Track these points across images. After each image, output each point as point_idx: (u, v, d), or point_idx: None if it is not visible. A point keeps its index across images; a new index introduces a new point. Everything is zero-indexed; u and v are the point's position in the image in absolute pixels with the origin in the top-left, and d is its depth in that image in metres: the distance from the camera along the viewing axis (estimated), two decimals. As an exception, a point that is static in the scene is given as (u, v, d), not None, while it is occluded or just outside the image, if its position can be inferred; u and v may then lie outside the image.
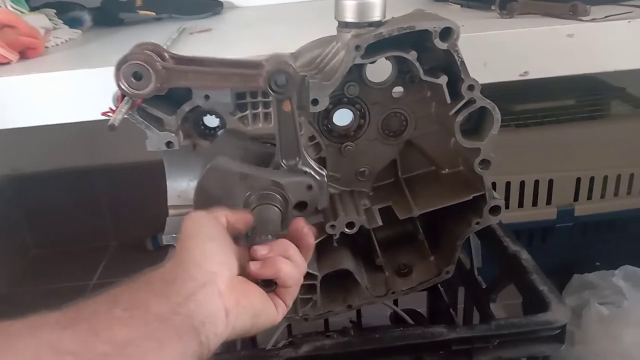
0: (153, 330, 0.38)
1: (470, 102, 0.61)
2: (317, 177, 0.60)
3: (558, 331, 0.56)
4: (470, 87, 0.61)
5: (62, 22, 1.02)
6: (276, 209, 0.57)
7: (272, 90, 0.55)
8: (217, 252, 0.46)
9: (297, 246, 0.51)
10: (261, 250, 0.48)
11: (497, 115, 0.62)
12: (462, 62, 0.60)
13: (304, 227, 0.52)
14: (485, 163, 0.65)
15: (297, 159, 0.60)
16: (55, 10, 1.02)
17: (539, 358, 0.60)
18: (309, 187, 0.59)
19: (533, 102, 1.28)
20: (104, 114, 0.55)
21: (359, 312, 1.00)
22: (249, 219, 0.53)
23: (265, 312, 0.47)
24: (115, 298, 0.40)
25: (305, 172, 0.60)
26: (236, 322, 0.44)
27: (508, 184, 1.22)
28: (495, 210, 0.67)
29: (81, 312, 0.38)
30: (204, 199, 0.58)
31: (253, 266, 0.47)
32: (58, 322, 0.37)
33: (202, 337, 0.41)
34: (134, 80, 0.53)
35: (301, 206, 0.59)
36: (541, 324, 0.56)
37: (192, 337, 0.40)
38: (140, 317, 0.39)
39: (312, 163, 0.61)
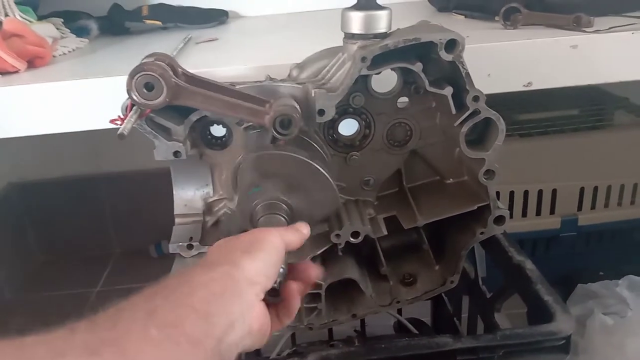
0: (183, 355, 0.37)
1: (475, 112, 0.62)
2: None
3: (563, 342, 0.57)
4: (475, 98, 0.61)
5: (69, 31, 1.03)
6: (282, 218, 0.57)
7: (276, 131, 0.57)
8: (269, 267, 0.46)
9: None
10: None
11: (502, 126, 0.63)
12: (467, 74, 0.61)
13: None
14: (489, 173, 0.65)
15: None
16: (62, 20, 1.02)
17: (543, 368, 0.60)
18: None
19: (537, 112, 1.28)
20: (112, 121, 0.56)
21: (362, 321, 1.00)
22: (305, 229, 0.53)
23: (267, 333, 0.47)
24: (155, 309, 0.38)
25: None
26: (245, 343, 0.43)
27: (512, 194, 1.22)
28: (499, 220, 0.67)
29: (114, 329, 0.36)
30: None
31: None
32: (86, 347, 0.34)
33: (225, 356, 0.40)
34: (145, 90, 0.54)
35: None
36: (546, 335, 0.57)
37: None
38: (173, 339, 0.36)
39: None
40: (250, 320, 0.42)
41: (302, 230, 0.53)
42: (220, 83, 0.58)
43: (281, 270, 0.48)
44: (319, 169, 0.58)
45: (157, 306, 0.38)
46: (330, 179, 0.59)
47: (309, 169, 0.59)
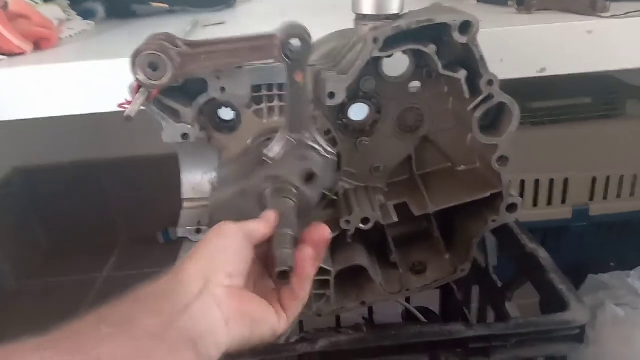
0: (143, 346, 0.37)
1: (489, 97, 0.61)
2: (325, 154, 0.59)
3: (578, 331, 0.56)
4: (490, 82, 0.60)
5: (75, 13, 1.02)
6: (291, 201, 0.56)
7: (287, 57, 0.54)
8: (227, 262, 0.46)
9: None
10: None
11: (516, 111, 0.61)
12: (482, 57, 0.59)
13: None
14: (503, 160, 0.64)
15: (305, 133, 0.58)
16: (68, 2, 1.01)
17: (556, 358, 0.59)
18: (309, 177, 0.58)
19: (549, 100, 1.26)
20: (120, 105, 0.55)
21: (370, 309, 1.00)
22: (272, 216, 0.52)
23: (265, 321, 0.47)
24: (102, 315, 0.39)
25: (313, 148, 0.59)
26: (236, 330, 0.44)
27: (523, 183, 1.21)
28: (512, 207, 0.66)
29: (65, 332, 0.37)
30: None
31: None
32: (39, 345, 0.36)
33: (201, 349, 0.40)
34: (150, 70, 0.53)
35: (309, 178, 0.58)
36: (560, 324, 0.56)
37: (189, 350, 0.40)
38: (128, 333, 0.38)
39: (320, 139, 0.60)
40: (210, 304, 0.43)
41: (269, 218, 0.51)
42: (222, 37, 0.57)
43: (288, 251, 0.47)
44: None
45: (105, 312, 0.40)
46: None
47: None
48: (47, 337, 0.36)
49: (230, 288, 0.45)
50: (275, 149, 0.57)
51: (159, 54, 0.52)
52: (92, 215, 1.71)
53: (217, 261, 0.46)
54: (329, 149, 0.59)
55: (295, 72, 0.55)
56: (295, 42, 0.53)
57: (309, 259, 0.49)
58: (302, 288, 0.49)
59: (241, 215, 0.52)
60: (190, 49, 0.54)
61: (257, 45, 0.55)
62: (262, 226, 0.50)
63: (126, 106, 0.54)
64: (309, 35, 0.54)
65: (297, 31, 0.53)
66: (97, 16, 1.09)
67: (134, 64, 0.53)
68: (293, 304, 0.49)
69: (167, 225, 1.66)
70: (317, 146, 0.59)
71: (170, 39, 0.55)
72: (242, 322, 0.44)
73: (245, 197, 0.57)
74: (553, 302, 0.60)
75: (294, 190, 0.57)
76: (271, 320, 0.47)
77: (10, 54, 0.78)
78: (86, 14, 1.05)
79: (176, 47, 0.54)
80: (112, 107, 0.63)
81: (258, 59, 0.57)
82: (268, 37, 0.55)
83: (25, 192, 1.67)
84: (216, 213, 0.60)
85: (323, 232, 0.51)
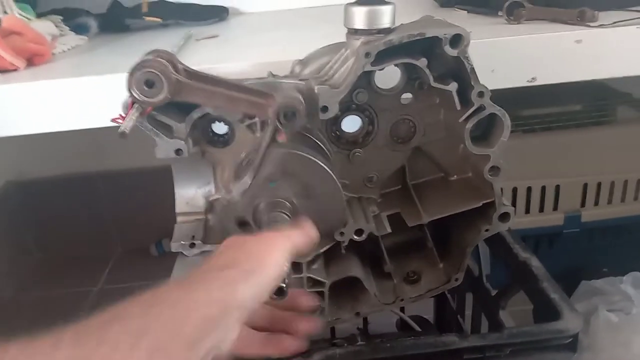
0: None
1: (480, 108, 0.61)
2: None
3: (570, 340, 0.56)
4: (480, 94, 0.60)
5: (68, 28, 1.02)
6: (284, 216, 0.57)
7: (279, 123, 0.56)
8: (263, 297, 0.45)
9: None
10: None
11: (507, 122, 0.62)
12: (472, 69, 0.60)
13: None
14: (495, 170, 0.64)
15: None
16: (61, 17, 1.02)
17: (549, 367, 0.60)
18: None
19: (540, 108, 1.27)
20: (113, 120, 0.55)
21: (365, 319, 1.00)
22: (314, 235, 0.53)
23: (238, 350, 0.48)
24: (146, 329, 0.38)
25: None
26: None
27: (515, 190, 1.22)
28: (504, 217, 0.67)
29: (100, 347, 0.36)
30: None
31: None
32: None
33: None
34: (145, 87, 0.53)
35: None
36: (554, 333, 0.56)
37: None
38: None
39: None
40: (228, 343, 0.42)
41: (311, 235, 0.52)
42: (221, 78, 0.58)
43: (285, 269, 0.47)
44: (339, 189, 0.60)
45: (148, 327, 0.37)
46: (344, 201, 0.61)
47: (330, 185, 0.60)
48: (78, 350, 0.36)
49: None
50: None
51: (158, 73, 0.53)
52: (86, 228, 1.71)
53: (261, 298, 0.46)
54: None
55: (279, 133, 0.57)
56: (290, 114, 0.56)
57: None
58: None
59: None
60: (189, 80, 0.55)
61: (255, 101, 0.57)
62: (305, 245, 0.51)
63: (120, 121, 0.55)
64: (303, 106, 0.57)
65: (293, 103, 0.56)
66: (91, 31, 1.09)
67: (131, 79, 0.53)
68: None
69: (161, 238, 1.65)
70: None
71: (172, 60, 0.56)
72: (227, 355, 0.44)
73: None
74: (546, 311, 0.60)
75: (287, 204, 0.57)
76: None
77: (3, 71, 0.78)
78: (79, 29, 1.05)
79: (176, 70, 0.55)
80: (106, 123, 0.63)
81: (251, 113, 0.60)
82: (266, 98, 0.57)
83: (19, 206, 1.66)
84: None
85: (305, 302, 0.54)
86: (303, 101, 0.57)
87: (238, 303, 0.42)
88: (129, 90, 0.53)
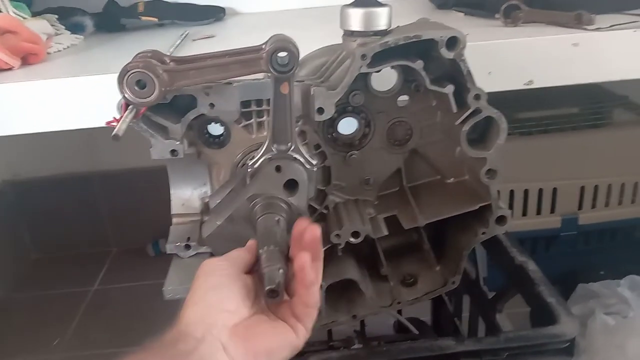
0: None
1: (477, 111, 0.61)
2: (307, 166, 0.59)
3: (567, 344, 0.56)
4: (477, 97, 0.60)
5: (63, 27, 1.02)
6: (280, 217, 0.56)
7: (274, 70, 0.54)
8: (221, 300, 0.46)
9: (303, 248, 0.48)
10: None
11: (503, 124, 0.62)
12: (469, 72, 0.60)
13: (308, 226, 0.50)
14: (491, 173, 0.64)
15: (289, 144, 0.58)
16: (57, 16, 1.01)
17: (546, 371, 0.59)
18: (292, 186, 0.58)
19: (536, 110, 1.27)
20: (108, 123, 0.55)
21: (362, 321, 0.99)
22: (252, 242, 0.52)
23: (282, 346, 0.46)
24: None
25: (295, 159, 0.59)
26: None
27: (512, 193, 1.22)
28: (501, 220, 0.66)
29: None
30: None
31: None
32: None
33: None
34: (137, 89, 0.53)
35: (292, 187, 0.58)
36: (550, 337, 0.56)
37: None
38: None
39: (304, 151, 0.60)
40: (215, 348, 0.42)
41: (250, 244, 0.52)
42: (210, 53, 0.57)
43: (280, 271, 0.47)
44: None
45: None
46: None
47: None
48: None
49: (235, 327, 0.45)
50: (258, 161, 0.57)
51: (146, 72, 0.52)
52: (82, 227, 1.70)
53: (213, 301, 0.45)
54: (311, 160, 0.59)
55: (281, 84, 0.55)
56: (282, 54, 0.54)
57: (307, 265, 0.46)
58: (311, 294, 0.47)
59: (236, 240, 0.52)
60: (178, 65, 0.55)
61: (245, 59, 0.56)
62: (243, 253, 0.50)
63: (114, 124, 0.54)
64: (296, 47, 0.54)
65: (284, 44, 0.54)
66: (86, 30, 1.09)
67: (121, 83, 0.53)
68: (306, 312, 0.48)
69: (157, 238, 1.65)
70: (299, 157, 0.59)
71: (157, 56, 0.55)
72: (256, 358, 0.44)
73: (235, 221, 0.57)
74: (543, 315, 0.60)
75: (282, 204, 0.57)
76: (288, 339, 0.46)
77: (-2, 70, 0.78)
78: (75, 28, 1.05)
79: (164, 64, 0.54)
80: (101, 123, 0.63)
81: (246, 72, 0.58)
82: (255, 50, 0.56)
83: (16, 205, 1.66)
84: (213, 245, 0.60)
85: (312, 232, 0.49)
86: (295, 43, 0.55)
87: (191, 329, 0.43)
88: (122, 93, 0.53)
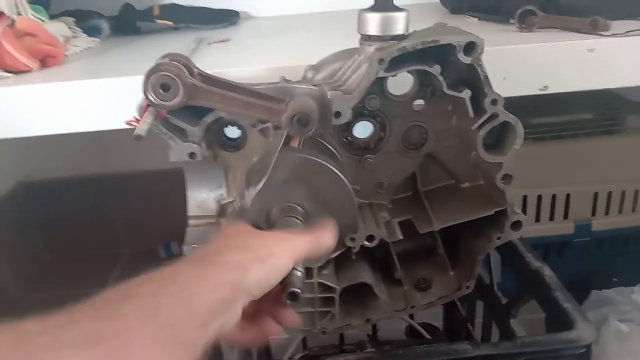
0: (175, 358, 0.36)
1: (493, 116, 0.61)
2: None
3: (584, 350, 0.56)
4: (494, 102, 0.60)
5: (80, 30, 1.03)
6: (297, 220, 0.57)
7: (293, 129, 0.56)
8: (267, 288, 0.46)
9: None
10: None
11: (520, 130, 0.62)
12: (486, 77, 0.60)
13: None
14: (507, 178, 0.64)
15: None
16: (74, 19, 1.02)
17: (562, 377, 0.59)
18: None
19: (550, 116, 1.27)
20: (128, 123, 0.55)
21: (374, 325, 0.99)
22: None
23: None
24: (159, 306, 0.38)
25: None
26: None
27: (525, 198, 1.22)
28: (516, 225, 0.66)
29: (116, 321, 0.36)
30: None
31: None
32: (87, 338, 0.34)
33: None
34: (161, 91, 0.53)
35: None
36: (567, 343, 0.56)
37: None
38: (171, 342, 0.36)
39: None
40: (231, 326, 0.42)
41: (324, 243, 0.52)
42: (236, 82, 0.58)
43: (299, 274, 0.47)
44: (351, 194, 0.59)
45: (162, 304, 0.37)
46: (356, 206, 0.60)
47: (342, 189, 0.59)
48: (95, 323, 0.35)
49: None
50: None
51: (174, 77, 0.53)
52: (94, 229, 1.71)
53: (265, 288, 0.46)
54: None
55: (292, 139, 0.58)
56: (304, 119, 0.56)
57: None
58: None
59: None
60: (205, 84, 0.55)
61: (269, 107, 0.57)
62: (316, 254, 0.51)
63: (134, 124, 0.55)
64: (316, 112, 0.57)
65: (307, 110, 0.56)
66: (103, 33, 1.10)
67: (147, 82, 0.53)
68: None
69: (169, 240, 1.65)
70: None
71: (187, 64, 0.56)
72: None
73: (252, 224, 0.58)
74: (559, 321, 0.60)
75: (299, 208, 0.57)
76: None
77: (17, 72, 0.78)
78: (91, 31, 1.06)
79: (192, 74, 0.55)
80: (118, 125, 0.63)
81: (264, 118, 0.60)
82: (280, 103, 0.57)
83: (28, 207, 1.66)
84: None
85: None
86: (316, 107, 0.57)
87: (247, 288, 0.43)
88: (145, 93, 0.53)
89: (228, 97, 0.56)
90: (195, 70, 0.56)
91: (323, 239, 0.52)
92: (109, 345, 0.33)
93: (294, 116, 0.55)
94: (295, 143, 0.58)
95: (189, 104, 0.55)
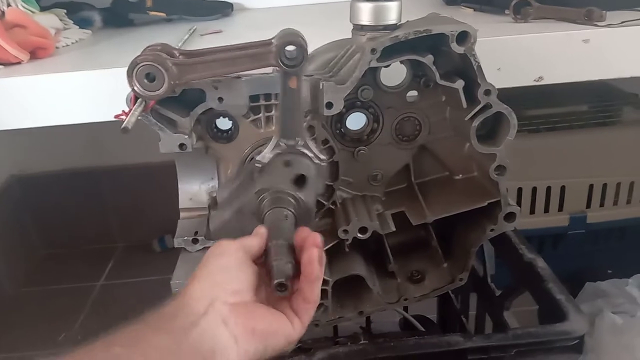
0: None
1: (487, 107, 0.61)
2: (316, 160, 0.59)
3: (576, 341, 0.55)
4: (487, 92, 0.60)
5: (72, 22, 1.02)
6: (288, 211, 0.56)
7: (283, 64, 0.53)
8: (229, 280, 0.46)
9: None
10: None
11: (513, 120, 0.61)
12: (479, 67, 0.60)
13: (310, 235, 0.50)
14: (500, 169, 0.64)
15: (297, 139, 0.58)
16: (65, 10, 1.02)
17: (554, 368, 0.59)
18: (300, 181, 0.57)
19: (545, 108, 1.26)
20: (117, 116, 0.55)
21: (368, 318, 0.99)
22: (262, 230, 0.52)
23: (278, 332, 0.46)
24: (112, 339, 0.39)
25: (304, 154, 0.58)
26: (248, 346, 0.43)
27: (520, 190, 1.21)
28: (510, 217, 0.66)
29: (75, 356, 0.36)
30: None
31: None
32: None
33: None
34: (147, 82, 0.53)
35: (301, 182, 0.57)
36: (559, 334, 0.55)
37: None
38: (141, 351, 0.37)
39: (312, 146, 0.59)
40: (216, 322, 0.42)
41: (260, 231, 0.51)
42: (219, 47, 0.57)
43: (289, 265, 0.47)
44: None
45: (115, 336, 0.39)
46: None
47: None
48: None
49: (236, 305, 0.45)
50: (266, 156, 0.57)
51: (155, 65, 0.52)
52: (88, 223, 1.71)
53: (220, 280, 0.45)
54: (320, 155, 0.59)
55: (290, 78, 0.55)
56: (291, 49, 0.53)
57: (315, 259, 0.47)
58: (312, 291, 0.48)
59: (244, 234, 0.52)
60: (187, 58, 0.54)
61: (254, 52, 0.55)
62: (255, 241, 0.50)
63: (123, 117, 0.54)
64: (304, 41, 0.54)
65: (293, 38, 0.53)
66: (94, 25, 1.09)
67: (130, 76, 0.53)
68: (305, 308, 0.48)
69: (163, 233, 1.65)
70: (308, 152, 0.58)
71: (167, 49, 0.55)
72: (253, 338, 0.44)
73: (242, 215, 0.57)
74: (552, 312, 0.60)
75: (290, 199, 0.56)
76: (285, 330, 0.47)
77: (6, 63, 0.78)
78: (83, 23, 1.05)
79: (173, 57, 0.54)
80: (109, 117, 0.63)
81: (255, 66, 0.57)
82: (264, 45, 0.55)
83: (22, 200, 1.66)
84: (220, 238, 0.60)
85: (314, 240, 0.49)
86: (304, 37, 0.55)
87: (195, 303, 0.44)
88: (131, 87, 0.53)
89: (213, 60, 0.55)
90: (175, 51, 0.55)
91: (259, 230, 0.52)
92: None
93: (282, 48, 0.53)
94: (294, 83, 0.55)
95: (178, 87, 0.54)
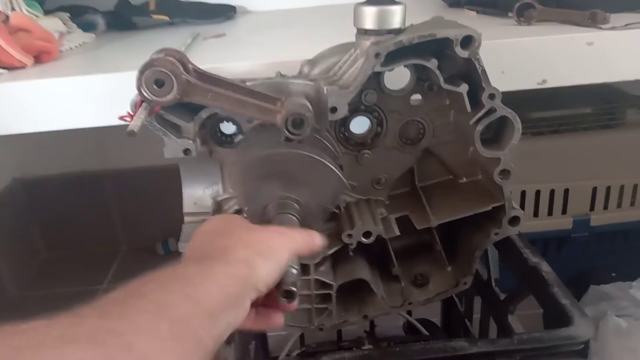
0: (186, 354, 0.35)
1: (491, 111, 0.60)
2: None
3: (581, 346, 0.55)
4: (491, 96, 0.60)
5: (75, 26, 1.02)
6: (293, 217, 0.56)
7: (287, 131, 0.56)
8: (271, 282, 0.46)
9: None
10: None
11: (517, 124, 0.61)
12: (483, 71, 0.59)
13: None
14: (505, 173, 0.63)
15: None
16: (69, 14, 1.02)
17: (559, 373, 0.59)
18: None
19: (549, 110, 1.26)
20: (121, 118, 0.54)
21: (372, 322, 0.99)
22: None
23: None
24: (166, 302, 0.37)
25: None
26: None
27: (523, 193, 1.21)
28: (514, 221, 0.66)
29: (122, 319, 0.35)
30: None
31: None
32: (92, 336, 0.33)
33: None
34: (155, 87, 0.52)
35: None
36: (564, 339, 0.55)
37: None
38: (180, 337, 0.35)
39: None
40: (240, 320, 0.42)
41: (315, 241, 0.51)
42: (231, 80, 0.57)
43: (294, 271, 0.47)
44: (318, 159, 0.59)
45: (169, 300, 0.37)
46: (330, 164, 0.60)
47: (310, 162, 0.59)
48: (101, 321, 0.34)
49: None
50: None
51: (168, 73, 0.52)
52: (92, 226, 1.71)
53: (271, 283, 0.46)
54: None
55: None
56: (297, 121, 0.56)
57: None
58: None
59: None
60: (199, 81, 0.54)
61: (263, 107, 0.57)
62: (307, 249, 0.51)
63: (127, 119, 0.54)
64: (311, 114, 0.56)
65: (301, 110, 0.56)
66: (98, 28, 1.09)
67: (140, 77, 0.52)
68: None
69: (167, 237, 1.65)
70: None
71: (182, 60, 0.55)
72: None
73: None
74: (557, 317, 0.59)
75: (295, 205, 0.56)
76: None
77: (11, 68, 0.78)
78: (87, 27, 1.05)
79: (187, 70, 0.54)
80: (113, 121, 0.63)
81: (260, 118, 0.59)
82: (275, 103, 0.57)
83: (26, 203, 1.66)
84: None
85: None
86: (311, 108, 0.57)
87: (255, 281, 0.43)
88: (138, 89, 0.53)
89: (223, 95, 0.55)
90: (190, 66, 0.55)
91: (314, 236, 0.51)
92: (116, 340, 0.32)
93: (289, 117, 0.55)
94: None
95: (182, 101, 0.54)
